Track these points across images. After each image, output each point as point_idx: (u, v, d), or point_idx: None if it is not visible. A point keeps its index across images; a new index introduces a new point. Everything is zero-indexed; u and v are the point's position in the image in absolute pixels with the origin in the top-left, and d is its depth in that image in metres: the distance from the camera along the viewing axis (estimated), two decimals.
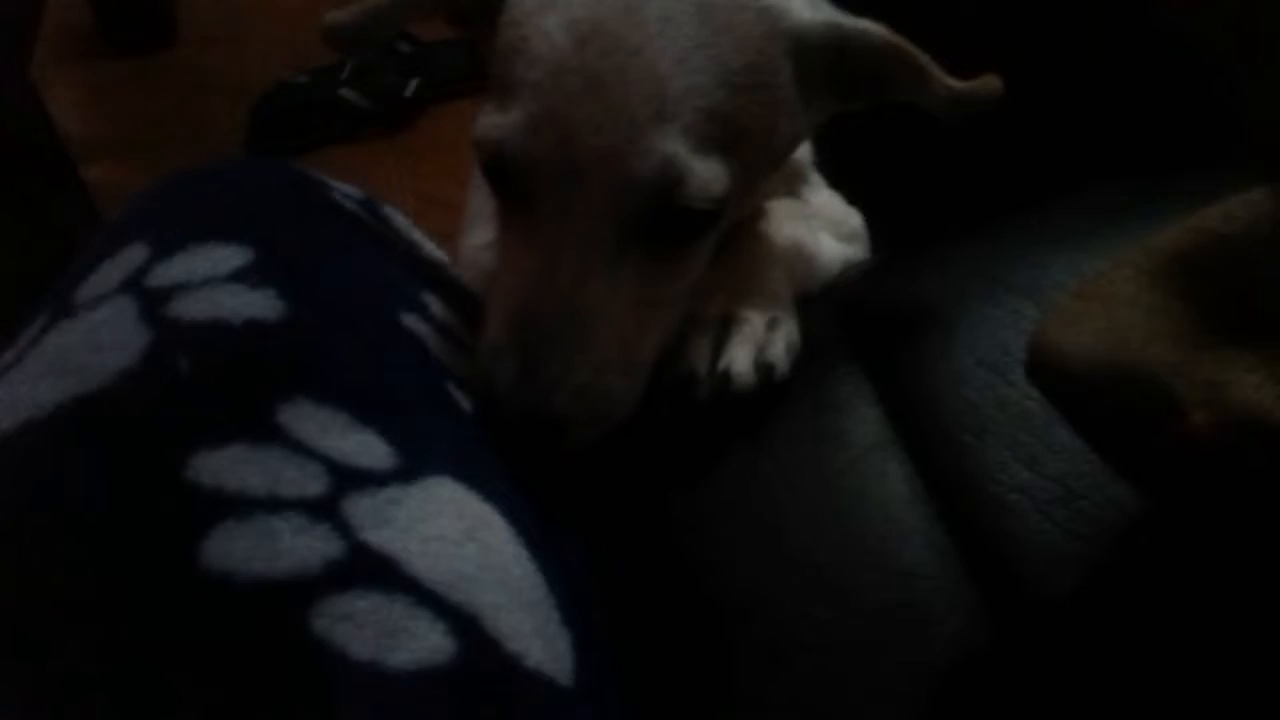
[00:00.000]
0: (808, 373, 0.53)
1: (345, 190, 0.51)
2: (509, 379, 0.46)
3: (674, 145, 0.47)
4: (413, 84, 1.49)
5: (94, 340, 0.38)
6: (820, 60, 0.52)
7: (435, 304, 0.48)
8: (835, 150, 0.69)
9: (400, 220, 0.53)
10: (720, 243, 0.54)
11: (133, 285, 0.40)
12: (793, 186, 0.65)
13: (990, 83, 0.53)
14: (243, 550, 0.33)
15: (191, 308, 0.39)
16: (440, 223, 1.36)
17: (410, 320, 0.45)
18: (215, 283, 0.40)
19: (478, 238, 0.63)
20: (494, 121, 0.48)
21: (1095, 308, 0.38)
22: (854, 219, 0.69)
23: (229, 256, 0.41)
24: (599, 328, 0.48)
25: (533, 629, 0.38)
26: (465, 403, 0.45)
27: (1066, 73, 0.75)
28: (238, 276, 0.41)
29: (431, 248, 0.53)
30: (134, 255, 0.42)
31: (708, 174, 0.48)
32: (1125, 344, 0.37)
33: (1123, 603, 0.44)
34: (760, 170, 0.54)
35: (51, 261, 1.07)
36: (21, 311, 1.05)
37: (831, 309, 0.57)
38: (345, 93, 1.48)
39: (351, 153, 1.48)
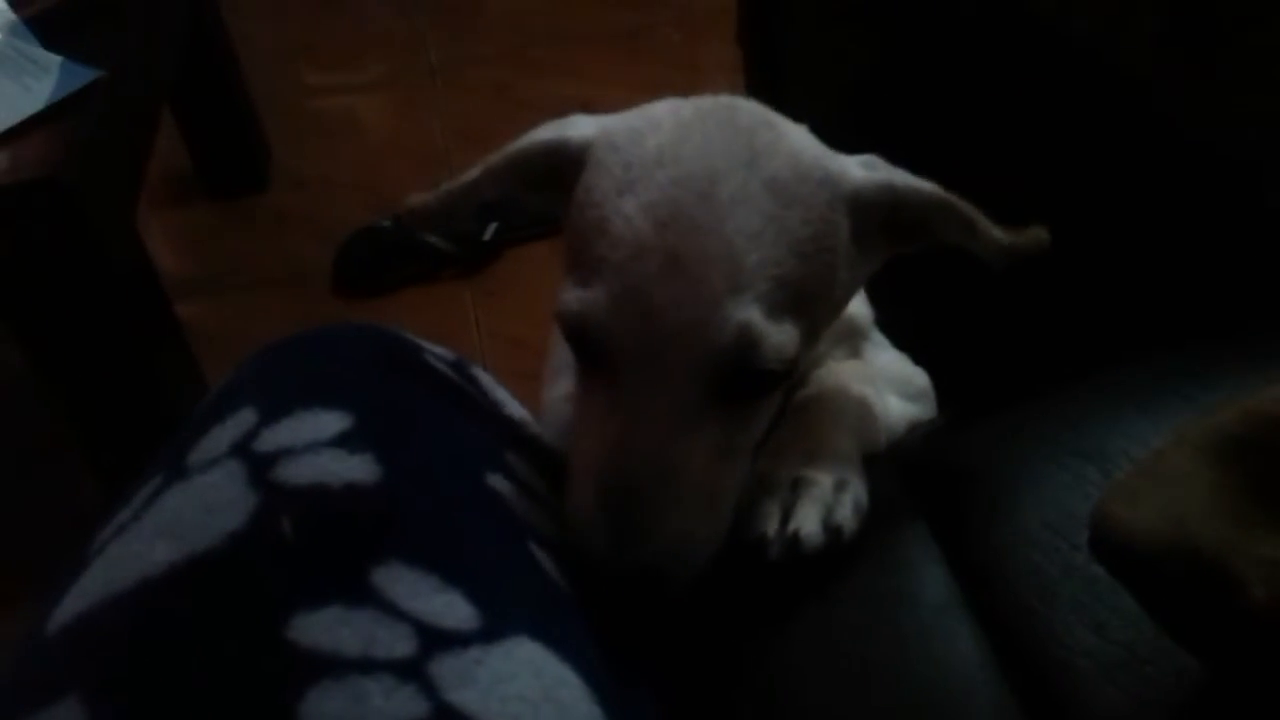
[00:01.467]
0: (876, 532, 0.54)
1: (437, 351, 0.54)
2: (604, 541, 0.49)
3: (750, 313, 0.50)
4: (491, 228, 1.56)
5: (205, 502, 0.41)
6: (876, 215, 0.56)
7: (518, 462, 0.51)
8: (900, 309, 0.72)
9: (486, 380, 0.56)
10: (789, 403, 0.57)
11: (241, 449, 0.43)
12: (855, 346, 0.68)
13: (1038, 234, 0.56)
14: (337, 710, 0.35)
15: (295, 472, 0.42)
16: (515, 360, 1.40)
17: (494, 480, 0.47)
18: (318, 447, 0.43)
19: (560, 390, 0.66)
20: (577, 296, 0.51)
21: (1154, 485, 0.40)
22: (920, 378, 0.71)
23: (331, 422, 0.44)
24: (685, 483, 0.50)
25: None
26: (545, 561, 0.47)
27: (1140, 233, 0.77)
28: (338, 442, 0.43)
29: (515, 406, 0.56)
30: (243, 419, 0.45)
31: (781, 336, 0.50)
32: (1184, 521, 0.38)
33: None
34: (825, 321, 0.57)
35: (149, 395, 1.12)
36: (121, 445, 1.09)
37: (898, 469, 0.58)
38: (427, 236, 1.54)
39: (432, 293, 1.54)
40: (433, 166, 1.76)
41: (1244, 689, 0.42)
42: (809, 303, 0.53)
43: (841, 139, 0.58)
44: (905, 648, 0.50)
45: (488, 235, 1.56)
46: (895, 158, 0.57)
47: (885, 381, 0.66)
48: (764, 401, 0.54)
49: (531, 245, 1.60)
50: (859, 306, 0.68)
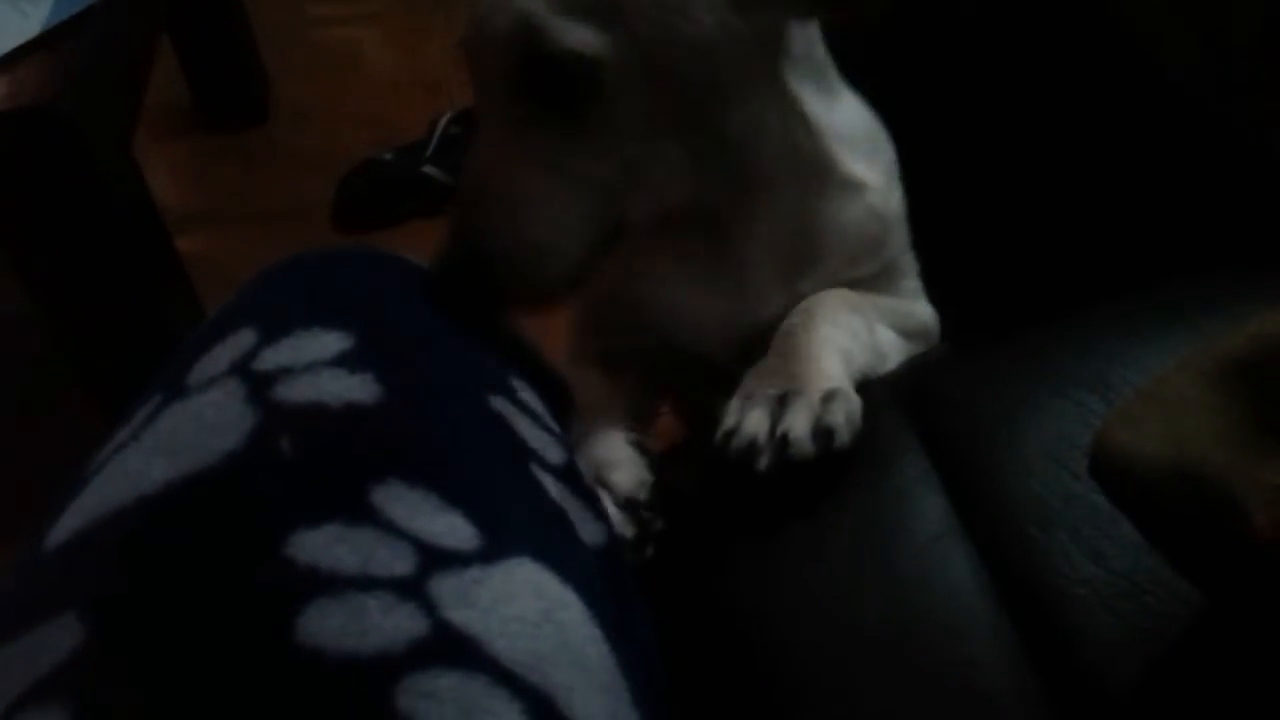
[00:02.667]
0: (871, 460, 0.54)
1: None
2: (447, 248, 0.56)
3: (530, 4, 0.53)
4: None
5: (203, 421, 0.41)
6: None
7: (521, 386, 0.50)
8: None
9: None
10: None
11: (241, 368, 0.43)
12: (881, 284, 0.67)
13: None
14: (335, 627, 0.35)
15: (295, 391, 0.42)
16: None
17: (497, 402, 0.47)
18: (318, 367, 0.43)
19: None
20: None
21: (1157, 410, 0.39)
22: (921, 314, 0.70)
23: (331, 342, 0.44)
24: (505, 187, 0.56)
25: (606, 711, 0.39)
26: (548, 484, 0.46)
27: (1154, 164, 0.76)
28: (338, 361, 0.43)
29: (520, 330, 0.56)
30: (243, 339, 0.45)
31: (574, 32, 0.53)
32: (1187, 447, 0.38)
33: (1185, 700, 0.44)
34: (671, 56, 0.56)
35: (149, 327, 1.12)
36: (122, 378, 1.09)
37: (894, 395, 0.58)
38: (428, 169, 1.53)
39: (433, 226, 1.53)
40: (435, 98, 1.74)
41: (1245, 618, 0.42)
42: (627, 13, 0.54)
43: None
44: (900, 576, 0.51)
45: None
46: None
47: (879, 312, 0.65)
48: (593, 117, 0.56)
49: None
50: (905, 256, 0.68)
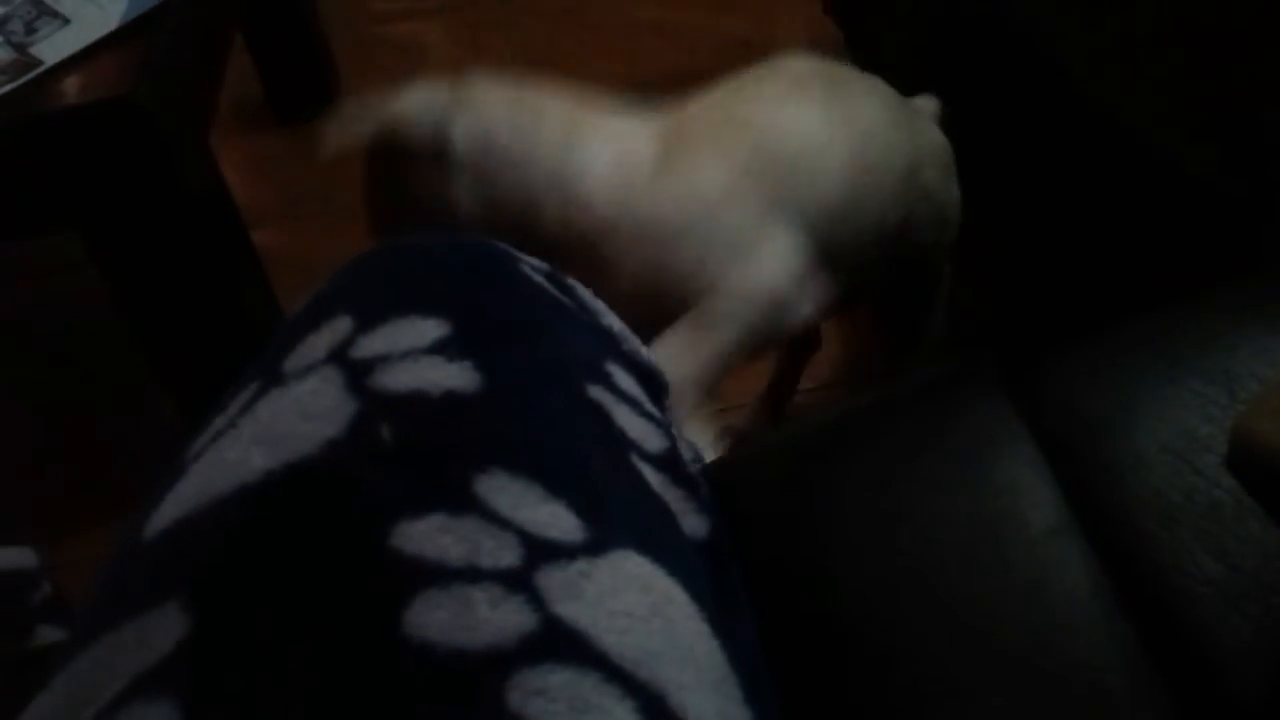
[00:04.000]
0: (980, 452, 0.52)
1: (532, 262, 0.53)
2: None
3: None
4: None
5: (302, 409, 0.40)
6: None
7: (618, 373, 0.49)
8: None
9: (582, 290, 0.54)
10: None
11: (338, 356, 0.42)
12: None
13: None
14: (443, 620, 0.34)
15: (394, 379, 0.41)
16: None
17: (595, 391, 0.46)
18: (416, 354, 0.42)
19: None
20: None
21: None
22: None
23: (428, 329, 0.43)
24: None
25: (716, 709, 0.38)
26: (648, 474, 0.45)
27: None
28: (437, 348, 0.42)
29: (613, 317, 0.55)
30: (339, 327, 0.44)
31: None
32: None
33: None
34: None
35: (227, 321, 1.12)
36: (198, 371, 1.09)
37: (1003, 385, 0.56)
38: None
39: None
40: None
41: None
42: None
43: None
44: (1012, 573, 0.49)
45: None
46: None
47: None
48: None
49: None
50: None
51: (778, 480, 0.55)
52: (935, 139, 0.88)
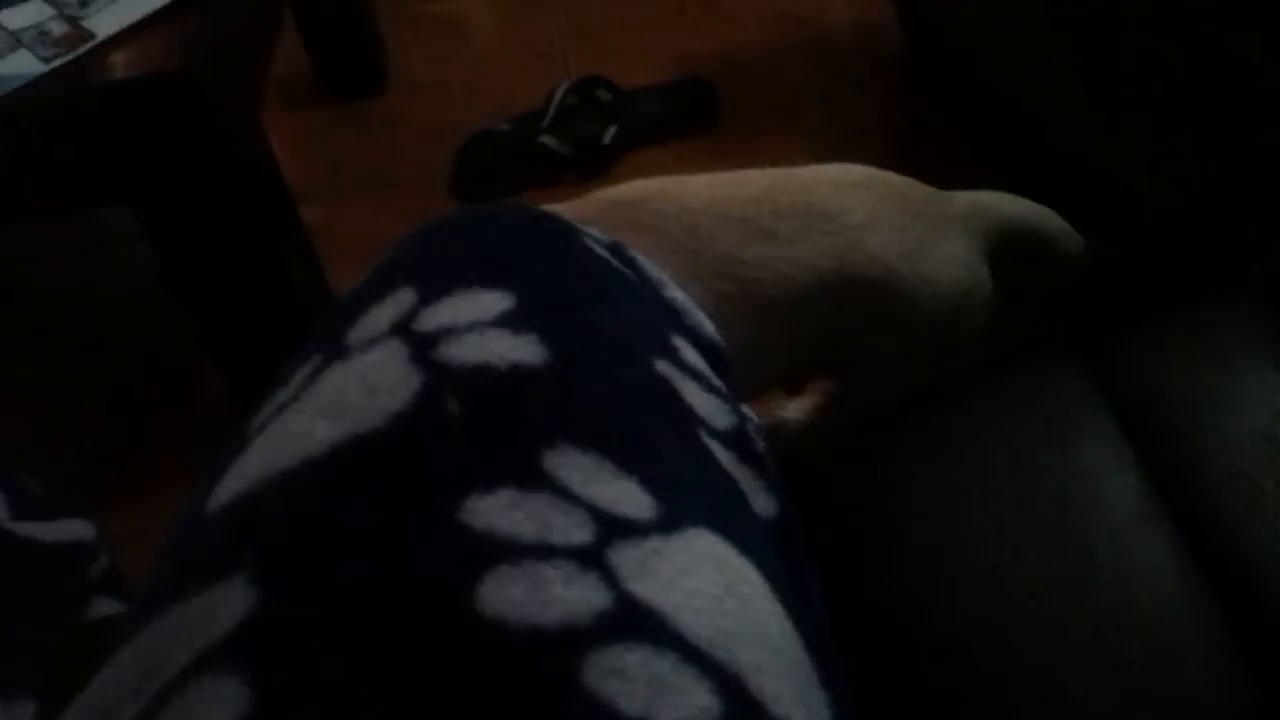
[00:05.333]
0: (1060, 435, 0.50)
1: (594, 234, 0.51)
2: None
3: None
4: (610, 131, 1.52)
5: (367, 382, 0.39)
6: None
7: (684, 347, 0.48)
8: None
9: (645, 263, 0.53)
10: None
11: (402, 329, 0.41)
12: None
13: None
14: (517, 596, 0.33)
15: (459, 352, 0.40)
16: None
17: (662, 366, 0.45)
18: (481, 327, 0.41)
19: None
20: None
21: None
22: None
23: (493, 302, 0.42)
24: None
25: (792, 692, 0.36)
26: (717, 451, 0.44)
27: None
28: (502, 321, 0.41)
29: (675, 290, 0.53)
30: (402, 299, 0.43)
31: None
32: None
33: None
34: None
35: (275, 294, 1.12)
36: (246, 344, 1.09)
37: (1081, 365, 0.54)
38: (545, 140, 1.51)
39: (550, 197, 1.50)
40: (548, 68, 1.72)
41: None
42: None
43: None
44: (1096, 560, 0.47)
45: (606, 139, 1.52)
46: None
47: None
48: None
49: (650, 149, 1.56)
50: None
51: (845, 456, 0.54)
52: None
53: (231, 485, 0.38)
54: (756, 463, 0.46)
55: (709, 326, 0.52)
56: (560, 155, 1.52)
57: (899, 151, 1.51)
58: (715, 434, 0.45)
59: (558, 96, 1.55)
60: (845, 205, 0.71)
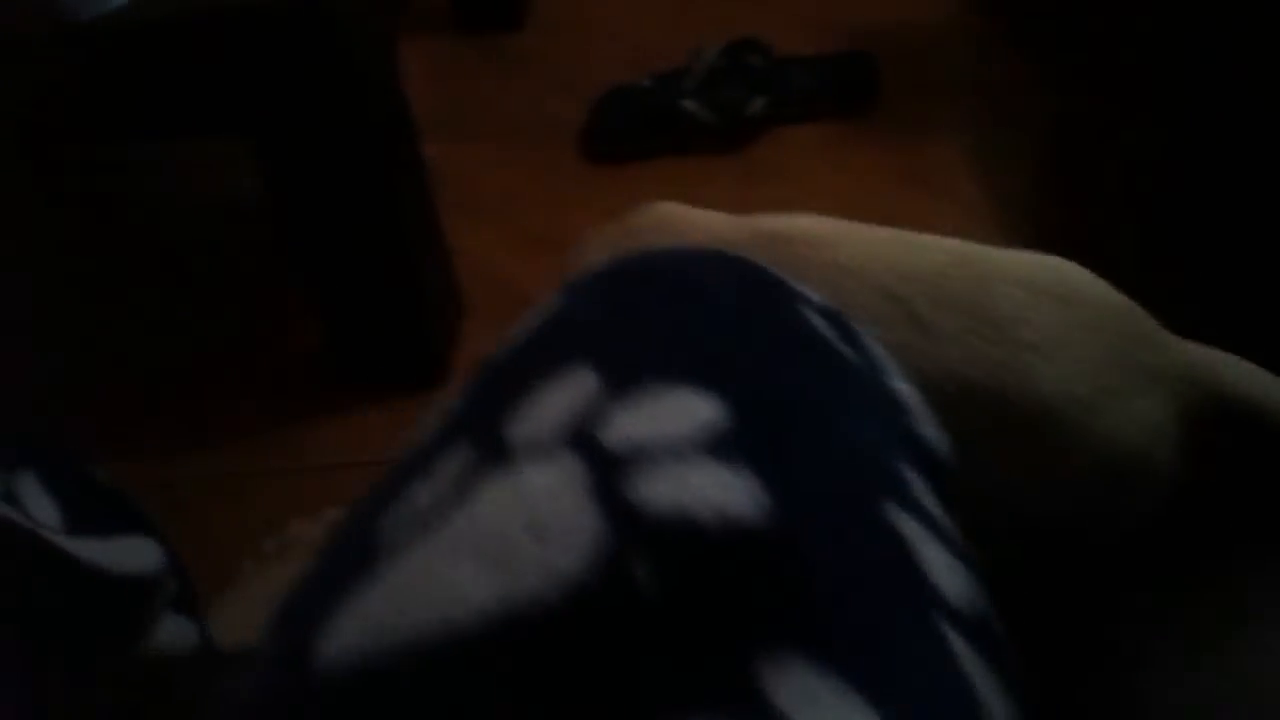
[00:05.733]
0: None
1: (812, 298, 0.41)
2: None
3: None
4: (758, 102, 1.40)
5: (536, 520, 0.29)
6: None
7: (915, 480, 0.37)
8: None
9: (867, 339, 0.43)
10: None
11: (582, 437, 0.31)
12: None
13: None
14: None
15: (656, 489, 0.30)
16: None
17: (893, 513, 0.35)
18: (684, 451, 0.31)
19: None
20: None
21: None
22: None
23: (698, 409, 0.32)
24: None
25: None
26: (955, 644, 0.34)
27: None
28: (711, 445, 0.31)
29: (899, 378, 0.43)
30: (582, 384, 0.33)
31: None
32: None
33: None
34: None
35: (382, 237, 1.04)
36: (345, 287, 1.00)
37: None
38: (687, 103, 1.40)
39: (684, 166, 1.40)
40: (696, 20, 1.60)
41: None
42: None
43: None
44: None
45: (753, 110, 1.40)
46: None
47: None
48: None
49: (799, 127, 1.44)
50: None
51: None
52: None
53: (352, 635, 0.29)
54: (995, 653, 0.36)
55: (936, 436, 0.42)
56: (701, 121, 1.40)
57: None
58: (954, 616, 0.35)
59: (706, 56, 1.43)
60: (1026, 318, 0.58)
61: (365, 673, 0.28)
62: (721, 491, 0.30)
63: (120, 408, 1.21)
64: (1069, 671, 0.44)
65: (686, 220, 0.73)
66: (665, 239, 0.71)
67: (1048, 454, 0.57)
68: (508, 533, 0.29)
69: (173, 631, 0.54)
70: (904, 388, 0.42)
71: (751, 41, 1.45)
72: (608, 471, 0.30)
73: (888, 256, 0.63)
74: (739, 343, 0.36)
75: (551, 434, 0.32)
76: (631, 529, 0.29)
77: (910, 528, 0.35)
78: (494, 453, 0.32)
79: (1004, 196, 1.31)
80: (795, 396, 0.35)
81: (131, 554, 0.52)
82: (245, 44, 0.89)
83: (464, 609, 0.28)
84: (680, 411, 0.32)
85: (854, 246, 0.64)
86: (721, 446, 0.31)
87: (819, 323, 0.40)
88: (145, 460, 1.14)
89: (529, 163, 1.43)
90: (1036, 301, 0.59)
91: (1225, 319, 0.64)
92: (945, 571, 0.35)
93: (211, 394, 1.21)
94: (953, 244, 0.64)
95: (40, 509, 0.48)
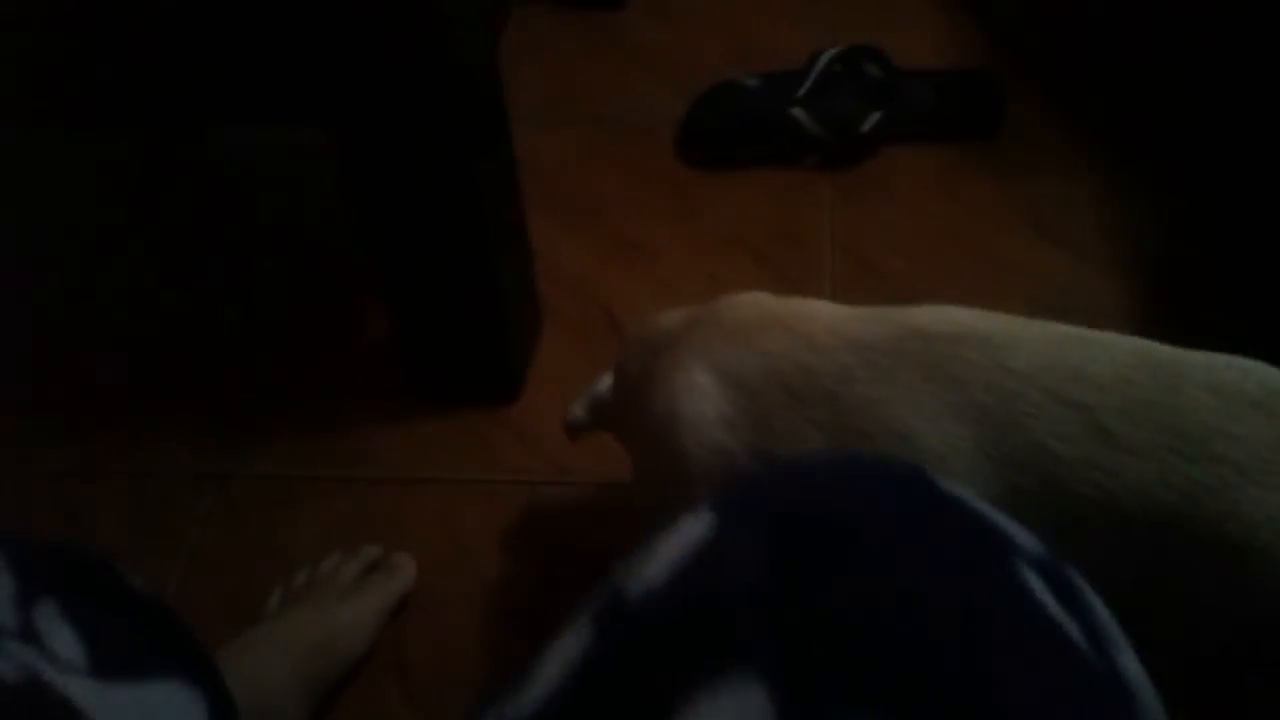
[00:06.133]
0: None
1: (1029, 549, 0.33)
2: None
3: None
4: (873, 118, 1.29)
5: None
6: None
7: None
8: None
9: (1091, 601, 0.34)
10: None
11: None
12: None
13: None
14: None
15: None
16: (862, 286, 1.16)
17: None
18: None
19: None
20: None
21: None
22: None
23: None
24: None
25: None
26: None
27: None
28: None
29: (1130, 655, 0.34)
30: (752, 704, 0.25)
31: None
32: None
33: None
34: None
35: (469, 236, 0.95)
36: (415, 273, 0.92)
37: None
38: (795, 112, 1.30)
39: (785, 178, 1.31)
40: (815, 21, 1.49)
41: None
42: None
43: None
44: None
45: (866, 126, 1.30)
46: None
47: None
48: None
49: (915, 147, 1.33)
50: None
51: None
52: None
53: None
54: None
55: None
56: (808, 132, 1.30)
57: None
58: None
59: (821, 62, 1.33)
60: (1228, 432, 0.52)
61: None
62: None
63: (182, 395, 1.15)
64: None
65: (793, 313, 0.65)
66: (779, 338, 0.62)
67: (1249, 578, 0.51)
68: None
69: None
70: (1132, 667, 0.33)
71: (870, 49, 1.34)
72: None
73: (1066, 358, 0.56)
74: (944, 656, 0.27)
75: None
76: None
77: None
78: None
79: (1125, 245, 1.20)
80: (973, 698, 0.27)
81: (162, 699, 0.44)
82: (329, 23, 0.80)
83: None
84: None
85: (1027, 347, 0.56)
86: None
87: (1036, 584, 0.31)
88: (206, 452, 1.09)
89: (616, 157, 1.33)
90: (1235, 410, 0.52)
91: None
92: None
93: (273, 388, 1.14)
94: (1134, 343, 0.58)
95: (63, 644, 0.41)
